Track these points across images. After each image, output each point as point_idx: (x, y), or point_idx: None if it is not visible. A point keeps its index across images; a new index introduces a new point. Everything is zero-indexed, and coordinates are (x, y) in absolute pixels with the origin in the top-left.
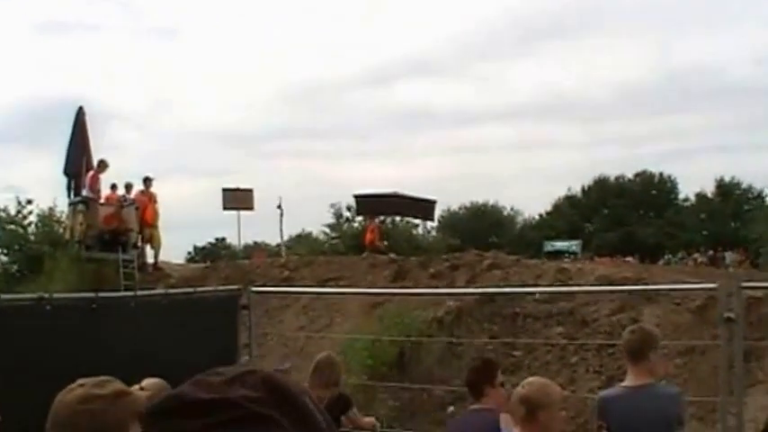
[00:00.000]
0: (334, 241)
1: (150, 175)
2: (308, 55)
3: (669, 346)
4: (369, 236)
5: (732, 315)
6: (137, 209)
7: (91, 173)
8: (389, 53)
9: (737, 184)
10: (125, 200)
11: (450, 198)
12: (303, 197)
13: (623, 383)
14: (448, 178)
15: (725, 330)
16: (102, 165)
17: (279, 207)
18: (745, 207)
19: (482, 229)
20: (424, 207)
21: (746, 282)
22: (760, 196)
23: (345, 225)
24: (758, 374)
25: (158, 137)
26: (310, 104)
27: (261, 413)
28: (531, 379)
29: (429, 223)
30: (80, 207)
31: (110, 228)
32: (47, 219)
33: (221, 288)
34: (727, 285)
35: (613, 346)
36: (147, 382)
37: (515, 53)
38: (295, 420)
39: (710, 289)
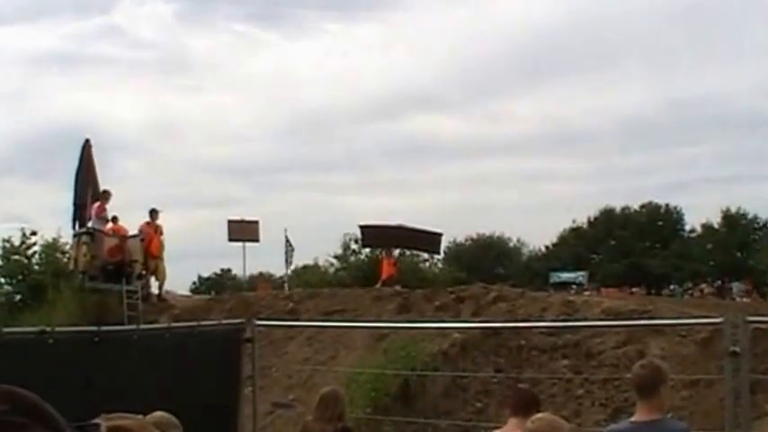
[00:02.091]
0: (339, 273)
1: (157, 207)
2: (317, 87)
3: (675, 379)
4: (388, 269)
5: (737, 349)
6: (141, 240)
7: (97, 203)
8: (397, 86)
9: (744, 215)
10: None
11: (455, 230)
12: (309, 228)
13: (632, 419)
14: (453, 210)
15: (730, 364)
16: (107, 194)
17: (287, 242)
18: (752, 237)
19: (488, 260)
20: (429, 239)
21: (752, 316)
22: (766, 226)
23: (352, 257)
24: (764, 406)
25: (164, 168)
26: (317, 136)
27: (16, 422)
28: (539, 415)
29: (436, 256)
30: (84, 238)
31: (114, 260)
32: (51, 249)
33: (225, 321)
34: (733, 319)
35: (619, 378)
36: (152, 416)
37: (521, 87)
38: (46, 426)
39: (716, 323)
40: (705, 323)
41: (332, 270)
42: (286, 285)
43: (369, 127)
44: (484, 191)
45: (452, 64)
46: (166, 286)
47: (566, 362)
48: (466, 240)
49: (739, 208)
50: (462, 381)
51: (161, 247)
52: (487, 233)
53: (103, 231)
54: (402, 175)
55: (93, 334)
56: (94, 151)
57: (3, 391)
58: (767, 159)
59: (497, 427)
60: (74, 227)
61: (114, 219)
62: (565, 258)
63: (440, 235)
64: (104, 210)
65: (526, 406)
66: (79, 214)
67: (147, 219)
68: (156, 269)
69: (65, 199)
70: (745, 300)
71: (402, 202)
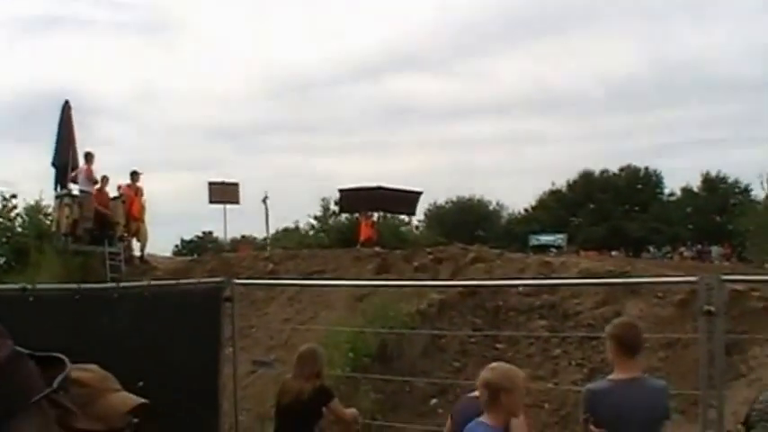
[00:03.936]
0: (320, 235)
1: (137, 169)
2: (299, 49)
3: (652, 340)
4: (366, 231)
5: (712, 308)
6: (123, 202)
7: (86, 166)
8: (377, 48)
9: (724, 179)
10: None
11: (435, 193)
12: (289, 191)
13: (611, 377)
14: (434, 172)
15: (705, 323)
16: (90, 157)
17: (264, 201)
18: (732, 201)
19: (468, 223)
20: (408, 199)
21: (727, 275)
22: (746, 190)
23: (332, 219)
24: (741, 368)
25: (145, 131)
26: (297, 99)
27: None
28: (494, 364)
29: (415, 217)
30: (66, 200)
31: (100, 221)
32: (33, 211)
33: (205, 280)
34: (708, 279)
35: (596, 338)
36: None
37: (503, 48)
38: None
39: (691, 282)
40: (681, 282)
41: (312, 232)
42: (268, 248)
43: (351, 89)
44: (464, 153)
45: (434, 24)
46: (149, 249)
47: (543, 322)
48: (446, 203)
49: (719, 172)
50: (440, 341)
51: (142, 209)
52: (468, 196)
53: (92, 193)
54: (383, 137)
55: (74, 292)
56: (76, 114)
57: None
58: (749, 124)
59: (475, 387)
60: (56, 189)
61: (105, 178)
62: (544, 221)
63: (419, 194)
64: (92, 172)
65: None
66: (60, 176)
67: (128, 181)
68: (137, 231)
69: (47, 162)
70: (724, 263)
71: (382, 164)
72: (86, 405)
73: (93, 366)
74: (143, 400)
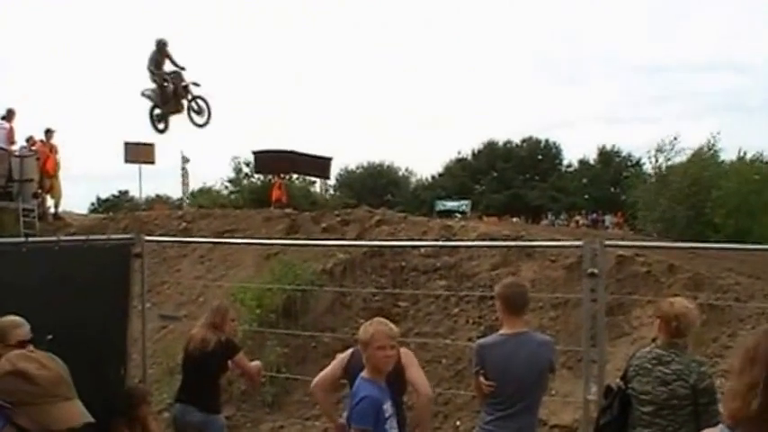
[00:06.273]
0: (233, 196)
1: (51, 126)
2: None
3: (544, 300)
4: (276, 193)
5: (596, 271)
6: (37, 159)
7: (8, 125)
8: None
9: (618, 153)
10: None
11: (346, 158)
12: (206, 151)
13: (500, 332)
14: (345, 138)
15: (588, 284)
16: (11, 113)
17: (183, 166)
18: (624, 174)
19: (378, 187)
20: (320, 164)
21: (610, 240)
22: (638, 163)
23: (245, 180)
24: (625, 327)
25: (61, 88)
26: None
27: None
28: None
29: (326, 181)
30: None
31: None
32: None
33: (115, 237)
34: (592, 244)
35: (492, 298)
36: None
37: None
38: None
39: (577, 246)
40: (568, 246)
41: (226, 193)
42: (186, 204)
43: None
44: (375, 120)
45: None
46: (65, 207)
47: (443, 282)
48: (357, 168)
49: (614, 146)
50: (345, 298)
51: (57, 165)
52: (378, 161)
53: (9, 152)
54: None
55: None
56: None
57: None
58: (643, 103)
59: None
60: None
61: (48, 131)
62: (450, 188)
63: (329, 159)
64: (13, 131)
65: None
66: None
67: (42, 138)
68: (51, 188)
69: None
70: (616, 231)
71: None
72: (29, 405)
73: (53, 362)
74: (90, 419)
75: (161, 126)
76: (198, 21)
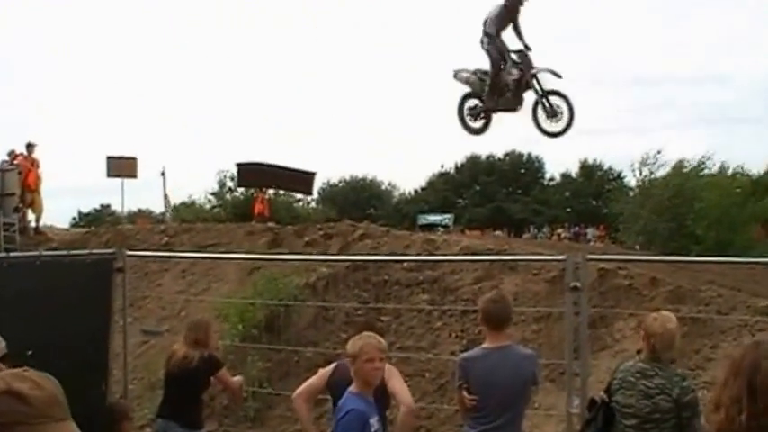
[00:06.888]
0: (215, 210)
1: (32, 140)
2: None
3: (526, 313)
4: (259, 207)
5: (578, 284)
6: (19, 173)
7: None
8: None
9: (599, 166)
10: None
11: (329, 171)
12: (188, 165)
13: (483, 346)
14: (329, 152)
15: (571, 298)
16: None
17: (162, 175)
18: (606, 187)
19: (361, 201)
20: (303, 179)
21: (593, 255)
22: (619, 177)
23: (228, 194)
24: (607, 340)
25: (42, 100)
26: None
27: None
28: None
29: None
30: None
31: None
32: None
33: (96, 251)
34: (575, 258)
35: (475, 312)
36: None
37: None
38: None
39: (560, 260)
40: (551, 260)
41: (209, 206)
42: (168, 218)
43: None
44: (360, 133)
45: None
46: (46, 221)
47: (425, 296)
48: (339, 182)
49: (596, 159)
50: (328, 312)
51: (38, 180)
52: (360, 175)
53: None
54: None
55: None
56: None
57: None
58: (624, 116)
59: None
60: None
61: (30, 145)
62: (432, 202)
63: (313, 174)
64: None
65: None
66: None
67: (24, 152)
68: (32, 202)
69: None
70: (598, 244)
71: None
72: (22, 425)
73: (48, 382)
74: None
75: (476, 125)
76: (179, 43)
